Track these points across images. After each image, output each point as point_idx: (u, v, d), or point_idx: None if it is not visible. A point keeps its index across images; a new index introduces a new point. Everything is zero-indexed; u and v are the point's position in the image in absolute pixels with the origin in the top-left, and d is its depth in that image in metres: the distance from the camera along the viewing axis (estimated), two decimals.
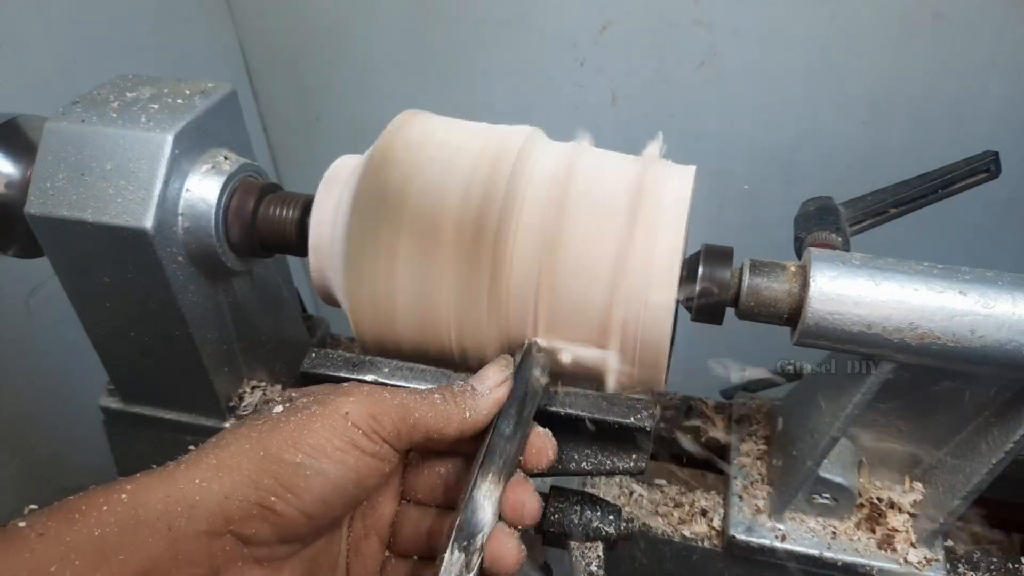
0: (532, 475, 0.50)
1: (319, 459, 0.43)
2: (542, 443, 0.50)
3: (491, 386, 0.50)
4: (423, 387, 0.51)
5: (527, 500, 0.47)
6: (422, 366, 0.55)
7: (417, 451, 0.53)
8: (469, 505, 0.45)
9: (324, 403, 0.45)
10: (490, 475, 0.46)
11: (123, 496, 0.40)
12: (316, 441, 0.43)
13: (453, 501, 0.48)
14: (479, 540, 0.44)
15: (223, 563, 0.42)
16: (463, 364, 0.58)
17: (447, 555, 0.43)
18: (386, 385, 0.52)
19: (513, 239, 0.53)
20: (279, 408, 0.46)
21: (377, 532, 0.51)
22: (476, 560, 0.44)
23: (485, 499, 0.45)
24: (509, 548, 0.45)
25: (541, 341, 0.54)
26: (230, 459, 0.43)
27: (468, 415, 0.48)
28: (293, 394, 0.47)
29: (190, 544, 0.40)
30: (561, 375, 0.57)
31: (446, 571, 0.43)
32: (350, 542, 0.51)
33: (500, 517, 0.46)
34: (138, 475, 0.42)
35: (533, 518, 0.47)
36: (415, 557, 0.52)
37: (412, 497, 0.53)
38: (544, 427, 0.53)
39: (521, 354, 0.52)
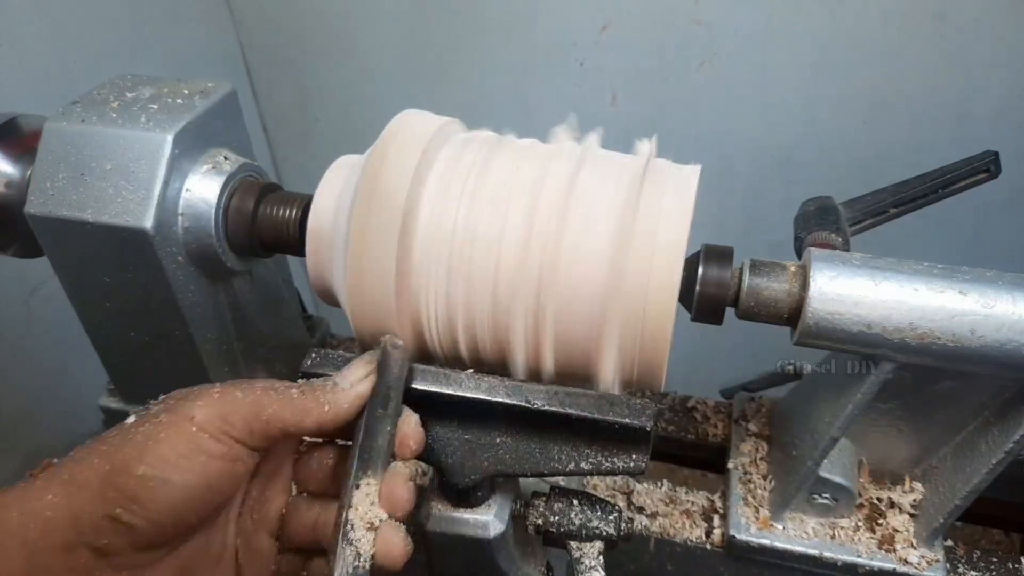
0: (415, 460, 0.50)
1: (162, 469, 0.43)
2: (403, 432, 0.50)
3: (353, 381, 0.50)
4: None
5: (396, 489, 0.47)
6: (422, 366, 0.55)
7: (307, 441, 0.53)
8: (349, 498, 0.46)
9: (172, 410, 0.45)
10: (367, 468, 0.47)
11: None
12: (161, 451, 0.44)
13: (339, 492, 0.48)
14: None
15: (83, 575, 0.42)
16: (462, 362, 0.58)
17: (338, 549, 0.44)
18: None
19: (511, 242, 0.53)
20: (132, 418, 0.46)
21: (267, 527, 0.51)
22: (369, 551, 0.45)
23: (362, 491, 0.46)
24: (394, 541, 0.46)
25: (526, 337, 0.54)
26: (80, 474, 0.43)
27: (327, 408, 0.48)
28: (150, 403, 0.47)
29: (47, 559, 0.41)
30: (561, 375, 0.57)
31: (341, 565, 0.43)
32: (240, 538, 0.51)
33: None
34: None
35: (405, 508, 0.47)
36: (303, 550, 0.52)
37: (303, 489, 0.53)
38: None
39: (380, 351, 0.53)
